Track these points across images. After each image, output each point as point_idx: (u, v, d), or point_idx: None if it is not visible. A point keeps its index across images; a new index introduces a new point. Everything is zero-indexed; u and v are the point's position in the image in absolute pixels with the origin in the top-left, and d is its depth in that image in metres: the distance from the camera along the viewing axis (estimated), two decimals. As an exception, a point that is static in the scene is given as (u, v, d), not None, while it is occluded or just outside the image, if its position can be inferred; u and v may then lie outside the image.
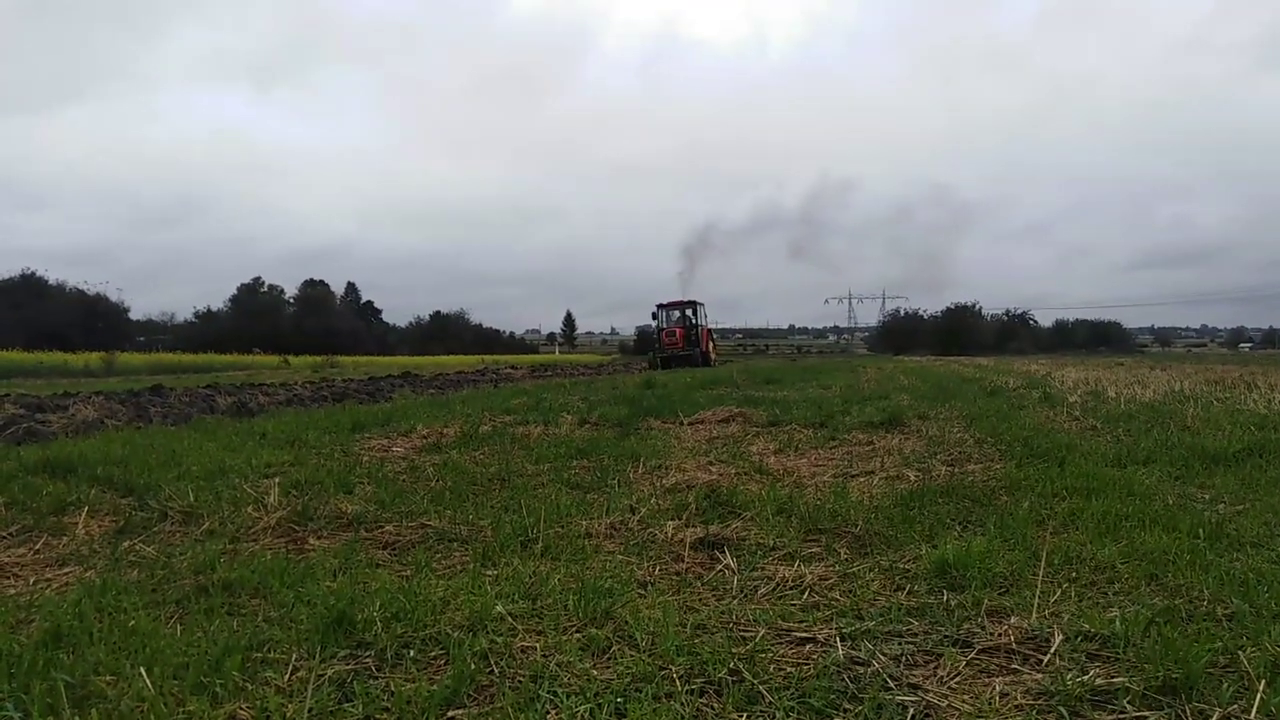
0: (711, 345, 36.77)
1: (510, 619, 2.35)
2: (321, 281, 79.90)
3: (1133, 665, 2.01)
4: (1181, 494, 3.90)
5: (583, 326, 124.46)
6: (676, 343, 33.96)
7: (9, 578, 2.92)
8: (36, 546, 3.27)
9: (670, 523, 3.46)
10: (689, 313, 36.03)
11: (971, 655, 2.12)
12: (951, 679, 1.99)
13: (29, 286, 58.43)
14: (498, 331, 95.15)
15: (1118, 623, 2.23)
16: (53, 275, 61.34)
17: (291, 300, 76.55)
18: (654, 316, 36.10)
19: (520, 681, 1.97)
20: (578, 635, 2.26)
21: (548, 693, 1.91)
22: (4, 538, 3.37)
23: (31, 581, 2.87)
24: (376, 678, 2.01)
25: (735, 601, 2.57)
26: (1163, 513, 3.44)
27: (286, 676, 1.99)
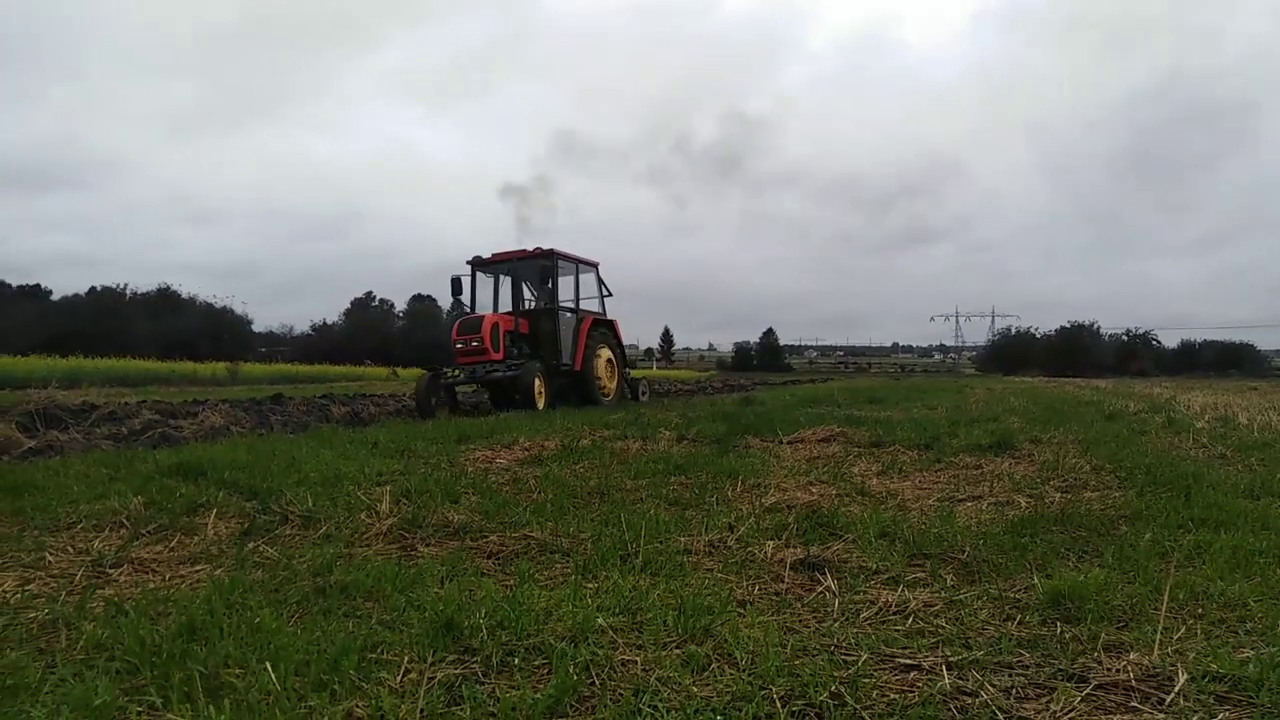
0: (610, 361, 15.53)
1: (611, 632, 2.38)
2: (429, 296, 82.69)
3: (1268, 711, 1.88)
4: (1324, 529, 3.63)
5: (680, 342, 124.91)
6: (484, 350, 13.33)
7: (148, 572, 3.14)
8: (171, 544, 3.50)
9: (770, 542, 3.44)
10: (537, 279, 15.58)
11: (1087, 690, 2.03)
12: (1065, 714, 1.91)
13: (164, 300, 62.98)
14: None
15: (1251, 664, 2.09)
16: (192, 289, 65.92)
17: (401, 315, 79.62)
18: (455, 289, 15.13)
19: (621, 694, 2.00)
20: (677, 651, 2.27)
21: (648, 706, 1.92)
22: (144, 534, 3.62)
23: (167, 577, 3.08)
24: (483, 683, 2.07)
25: (836, 624, 2.53)
26: (1302, 549, 3.21)
27: (399, 677, 2.08)
